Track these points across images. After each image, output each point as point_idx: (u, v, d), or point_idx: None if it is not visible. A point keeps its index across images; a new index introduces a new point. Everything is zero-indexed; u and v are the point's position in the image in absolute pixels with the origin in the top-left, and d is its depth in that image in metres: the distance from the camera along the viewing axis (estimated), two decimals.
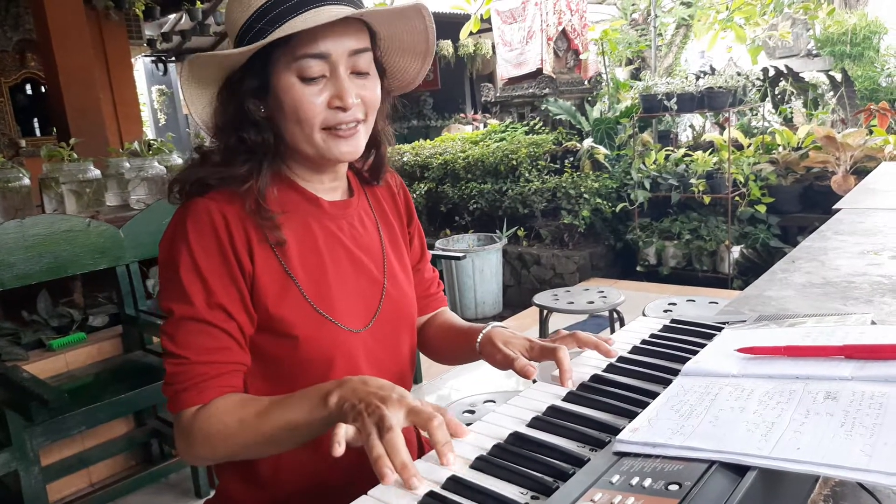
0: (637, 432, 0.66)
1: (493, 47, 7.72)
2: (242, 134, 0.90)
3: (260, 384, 0.94)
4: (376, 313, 0.99)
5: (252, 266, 0.89)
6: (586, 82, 6.35)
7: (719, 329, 0.97)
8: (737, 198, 4.74)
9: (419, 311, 1.13)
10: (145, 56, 10.99)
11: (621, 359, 0.91)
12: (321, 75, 0.87)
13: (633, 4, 8.28)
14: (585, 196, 5.02)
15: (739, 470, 0.58)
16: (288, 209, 0.94)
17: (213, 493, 1.04)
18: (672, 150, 5.39)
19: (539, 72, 6.20)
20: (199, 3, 7.51)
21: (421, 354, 1.29)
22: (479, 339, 1.02)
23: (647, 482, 0.57)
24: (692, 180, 4.84)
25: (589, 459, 0.65)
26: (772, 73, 5.77)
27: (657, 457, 0.62)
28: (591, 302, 2.91)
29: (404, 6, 0.92)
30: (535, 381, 0.90)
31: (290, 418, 0.80)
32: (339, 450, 0.68)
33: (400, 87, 1.05)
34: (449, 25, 9.38)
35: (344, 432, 0.70)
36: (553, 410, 0.78)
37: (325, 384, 0.79)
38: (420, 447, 1.07)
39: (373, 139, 0.99)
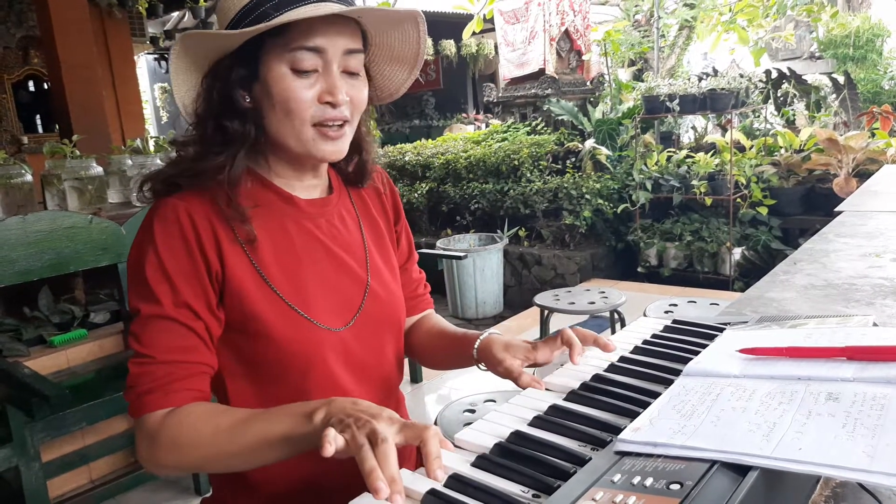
0: (639, 432, 0.66)
1: (496, 47, 7.72)
2: (224, 122, 0.89)
3: (242, 384, 0.93)
4: (358, 311, 0.98)
5: (221, 266, 0.88)
6: (589, 83, 6.35)
7: (721, 330, 0.97)
8: (738, 200, 4.74)
9: (406, 311, 1.11)
10: (148, 53, 11.00)
11: (623, 358, 0.91)
12: (314, 69, 0.87)
13: (636, 6, 8.29)
14: (587, 197, 5.02)
15: (741, 470, 0.58)
16: (261, 205, 0.93)
17: (212, 491, 1.04)
18: (674, 152, 5.39)
19: (541, 72, 6.20)
20: (201, 0, 7.52)
21: None
22: (476, 346, 1.00)
23: (649, 481, 0.57)
24: (694, 182, 4.84)
25: (590, 458, 0.65)
26: (774, 75, 5.77)
27: (659, 456, 0.62)
28: (592, 302, 2.92)
29: (401, 11, 0.92)
30: None
31: (269, 432, 0.76)
32: (330, 449, 0.65)
33: (383, 96, 1.05)
34: (451, 25, 9.38)
35: (334, 436, 0.66)
36: (554, 409, 0.78)
37: (310, 402, 0.76)
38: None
39: (356, 144, 0.99)
